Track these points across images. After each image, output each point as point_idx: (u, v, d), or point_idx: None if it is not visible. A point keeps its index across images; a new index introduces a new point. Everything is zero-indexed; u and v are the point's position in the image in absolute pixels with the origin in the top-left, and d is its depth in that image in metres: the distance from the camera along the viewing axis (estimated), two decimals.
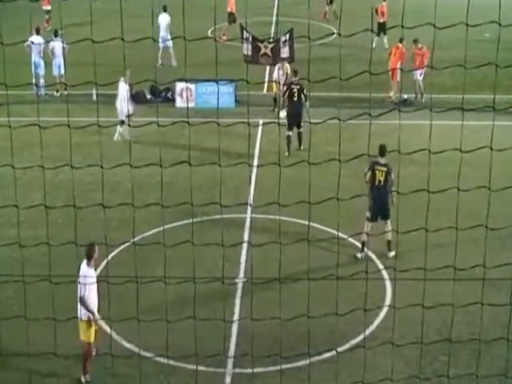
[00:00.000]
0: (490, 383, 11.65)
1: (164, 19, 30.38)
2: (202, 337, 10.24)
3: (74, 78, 20.47)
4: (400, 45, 26.18)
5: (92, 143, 21.02)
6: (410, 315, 10.63)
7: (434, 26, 7.20)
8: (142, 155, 17.73)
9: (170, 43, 29.86)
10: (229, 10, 35.27)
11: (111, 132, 22.36)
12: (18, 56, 26.01)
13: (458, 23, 7.87)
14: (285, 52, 25.14)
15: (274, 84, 24.89)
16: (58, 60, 26.51)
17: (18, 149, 20.30)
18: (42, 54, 26.63)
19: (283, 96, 22.24)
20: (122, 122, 22.11)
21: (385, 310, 13.22)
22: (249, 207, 16.95)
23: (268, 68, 26.67)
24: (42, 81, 26.57)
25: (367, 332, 12.30)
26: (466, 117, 9.33)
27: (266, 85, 27.19)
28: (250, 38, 25.50)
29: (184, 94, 25.62)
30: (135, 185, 15.75)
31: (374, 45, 30.65)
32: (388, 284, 14.35)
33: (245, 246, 15.52)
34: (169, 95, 26.29)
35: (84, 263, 11.28)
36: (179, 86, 25.70)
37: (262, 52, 25.43)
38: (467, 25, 7.43)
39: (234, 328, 12.92)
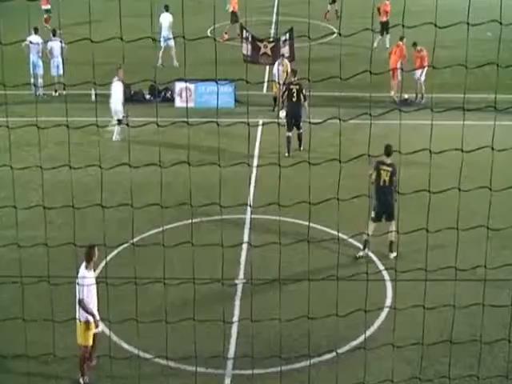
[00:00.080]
0: None
1: (166, 19, 30.33)
2: (201, 338, 10.20)
3: (72, 77, 20.48)
4: (400, 43, 26.19)
5: (91, 143, 21.07)
6: (411, 316, 10.59)
7: (435, 25, 7.15)
8: (141, 155, 17.73)
9: (171, 43, 29.80)
10: (231, 9, 35.26)
11: (110, 132, 22.35)
12: (16, 56, 25.97)
13: (459, 22, 7.84)
14: (285, 51, 25.09)
15: (274, 83, 24.82)
16: (57, 60, 26.44)
17: (17, 149, 20.32)
18: (40, 54, 26.56)
19: (282, 96, 22.19)
20: (119, 121, 22.07)
21: (385, 311, 13.17)
22: (248, 208, 16.91)
23: (268, 68, 26.60)
24: (40, 81, 26.51)
25: (368, 333, 12.24)
26: (467, 116, 9.31)
27: (265, 84, 27.14)
28: (250, 38, 25.45)
29: (183, 94, 25.55)
30: (134, 185, 15.72)
31: (375, 44, 30.63)
32: (389, 285, 14.29)
33: (244, 246, 15.47)
34: (168, 95, 26.22)
35: (83, 265, 11.21)
36: (178, 85, 25.64)
37: (261, 52, 25.38)
38: (468, 24, 7.39)
39: (234, 329, 12.87)
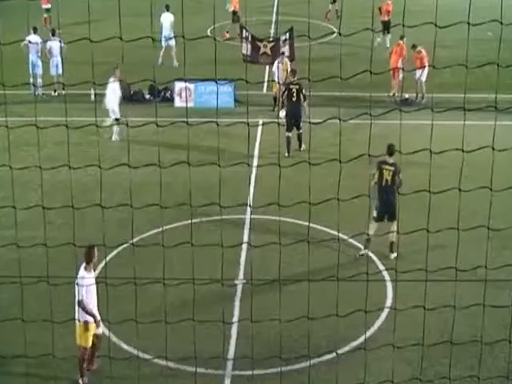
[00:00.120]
0: None
1: (167, 18, 30.29)
2: (201, 339, 10.17)
3: (71, 77, 20.43)
4: (401, 42, 26.18)
5: (90, 143, 21.03)
6: (411, 317, 10.57)
7: (436, 24, 7.12)
8: (141, 155, 17.71)
9: (172, 43, 29.76)
10: (232, 8, 35.25)
11: (109, 132, 22.32)
12: (15, 55, 25.93)
13: (460, 22, 7.81)
14: (285, 51, 25.05)
15: (274, 83, 24.78)
16: (56, 59, 26.40)
17: (16, 149, 20.29)
18: (39, 54, 26.52)
19: (282, 96, 22.16)
20: (117, 120, 22.03)
21: (386, 311, 13.13)
22: (248, 208, 16.88)
23: (268, 67, 26.57)
24: (39, 80, 26.48)
25: (368, 334, 12.21)
26: (467, 116, 9.28)
27: (265, 84, 27.11)
28: (250, 37, 25.41)
29: (183, 94, 25.51)
30: (134, 185, 15.69)
31: (377, 42, 30.57)
32: (389, 285, 14.27)
33: (244, 247, 15.44)
34: (168, 95, 26.19)
35: (82, 266, 11.18)
36: (178, 85, 25.60)
37: (261, 51, 25.33)
38: (469, 24, 7.36)
39: (234, 330, 12.84)
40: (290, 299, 12.60)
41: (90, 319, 11.24)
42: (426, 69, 25.15)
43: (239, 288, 14.25)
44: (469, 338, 11.51)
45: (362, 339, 12.38)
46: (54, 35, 26.79)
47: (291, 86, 21.36)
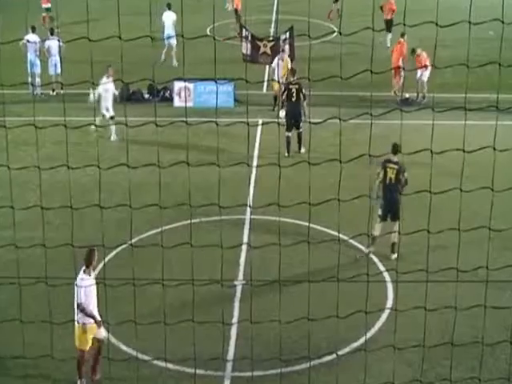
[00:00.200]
0: None
1: (169, 17, 30.22)
2: (200, 340, 10.11)
3: (70, 76, 20.37)
4: (401, 39, 26.14)
5: (89, 143, 20.97)
6: (412, 318, 10.52)
7: (437, 24, 7.07)
8: (140, 155, 17.63)
9: (173, 42, 29.69)
10: (234, 6, 35.22)
11: (109, 132, 22.27)
12: (13, 55, 25.87)
13: (461, 21, 7.77)
14: (285, 49, 24.98)
15: (274, 82, 24.71)
16: (54, 59, 26.35)
17: (14, 149, 20.23)
18: (38, 53, 26.46)
19: (281, 96, 22.10)
20: (112, 118, 21.97)
21: (386, 312, 13.08)
22: (248, 208, 16.83)
23: (268, 67, 26.51)
24: (38, 80, 26.42)
25: (368, 335, 12.16)
26: (468, 116, 9.24)
27: (265, 84, 27.04)
28: (250, 37, 25.35)
29: (182, 94, 25.44)
30: (133, 185, 15.63)
31: (377, 42, 30.48)
32: (389, 286, 14.22)
33: (244, 247, 15.39)
34: (167, 94, 26.15)
35: (82, 269, 11.10)
36: (177, 85, 25.54)
37: (261, 51, 25.28)
38: (470, 23, 7.31)
39: (233, 331, 12.79)
40: (289, 300, 12.55)
41: (89, 321, 11.16)
42: (429, 69, 25.10)
43: (239, 289, 14.20)
44: (470, 339, 11.45)
45: (362, 340, 12.32)
46: (52, 34, 26.73)
47: (291, 86, 21.30)
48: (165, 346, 8.50)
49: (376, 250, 15.47)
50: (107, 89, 22.02)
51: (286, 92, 21.39)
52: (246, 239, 15.83)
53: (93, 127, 21.72)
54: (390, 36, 32.20)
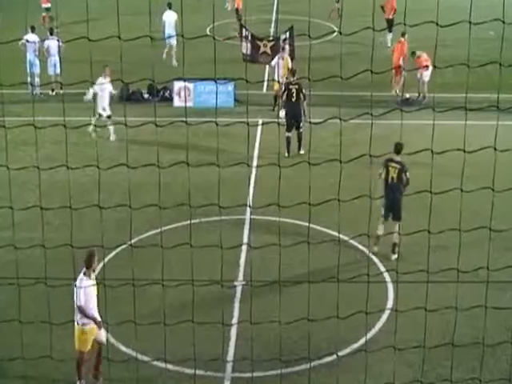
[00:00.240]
0: None
1: (169, 16, 30.17)
2: (200, 340, 10.08)
3: (69, 76, 20.33)
4: (402, 39, 26.11)
5: (88, 143, 20.94)
6: (413, 318, 10.49)
7: (437, 23, 7.04)
8: (139, 155, 17.60)
9: (173, 41, 29.64)
10: (236, 6, 35.20)
11: (107, 132, 22.24)
12: (13, 54, 25.85)
13: (462, 21, 7.74)
14: (285, 49, 24.95)
15: (275, 81, 24.68)
16: (54, 59, 26.32)
17: (13, 149, 20.19)
18: (37, 53, 26.43)
19: (281, 97, 22.06)
20: (109, 117, 21.93)
21: (387, 313, 13.06)
22: (248, 208, 16.80)
23: (268, 67, 26.49)
24: (37, 80, 26.38)
25: (369, 336, 12.13)
26: (469, 116, 9.22)
27: (265, 83, 27.01)
28: (250, 37, 25.32)
29: (182, 94, 25.40)
30: (132, 186, 15.57)
31: (378, 42, 30.46)
32: (390, 287, 14.19)
33: (244, 248, 15.35)
34: (166, 94, 26.11)
35: (82, 272, 11.06)
36: (177, 85, 25.51)
37: (261, 51, 25.26)
38: (470, 23, 7.29)
39: (233, 332, 12.76)
40: (290, 301, 12.51)
41: (89, 323, 11.11)
42: (430, 69, 25.06)
43: (239, 289, 14.17)
44: (470, 339, 11.42)
45: (362, 341, 12.30)
46: (51, 34, 26.69)
47: (291, 86, 21.26)
48: (164, 347, 8.48)
49: (376, 251, 15.43)
50: (104, 88, 21.97)
51: (286, 92, 21.36)
52: (245, 239, 15.80)
53: (91, 129, 21.72)
54: (390, 36, 32.16)
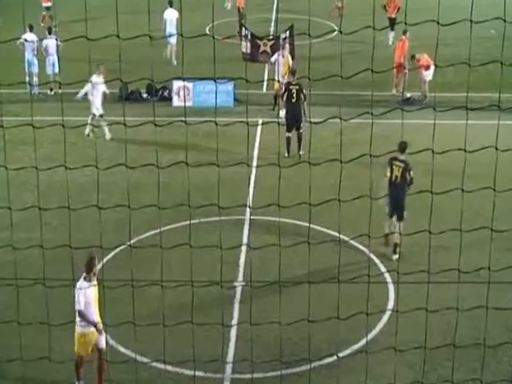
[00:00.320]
0: None
1: (170, 14, 30.11)
2: (199, 342, 10.02)
3: (68, 76, 20.28)
4: (404, 37, 26.08)
5: (87, 143, 20.87)
6: (414, 319, 10.41)
7: (438, 22, 6.99)
8: (138, 155, 17.56)
9: (173, 40, 29.57)
10: (237, 5, 35.17)
11: (102, 131, 22.17)
12: (11, 54, 25.82)
13: (462, 20, 7.69)
14: (285, 47, 24.89)
15: (275, 81, 24.62)
16: (52, 58, 26.25)
17: (11, 149, 20.11)
18: (35, 52, 26.35)
19: (282, 97, 22.00)
20: (101, 116, 21.83)
21: (387, 313, 13.02)
22: (248, 209, 16.75)
23: (268, 66, 26.43)
24: (35, 79, 26.29)
25: (369, 336, 12.10)
26: (470, 116, 9.15)
27: (265, 83, 26.95)
28: (249, 36, 25.26)
29: (181, 93, 25.34)
30: (131, 186, 15.53)
31: (379, 41, 30.38)
32: (391, 287, 14.15)
33: (244, 248, 15.31)
34: (166, 94, 26.05)
35: (82, 276, 10.99)
36: (176, 84, 25.44)
37: (261, 50, 25.21)
38: (471, 21, 7.24)
39: (233, 333, 12.72)
40: (290, 301, 12.47)
41: (89, 327, 11.03)
42: (432, 68, 25.01)
43: (238, 290, 14.13)
44: (472, 340, 11.37)
45: (363, 342, 12.25)
46: (50, 33, 26.61)
47: (291, 87, 21.20)
48: (164, 348, 8.44)
49: (377, 251, 15.39)
50: (97, 87, 21.87)
51: (286, 93, 21.30)
52: (245, 240, 15.76)
53: (87, 131, 21.66)
54: (392, 34, 32.09)
